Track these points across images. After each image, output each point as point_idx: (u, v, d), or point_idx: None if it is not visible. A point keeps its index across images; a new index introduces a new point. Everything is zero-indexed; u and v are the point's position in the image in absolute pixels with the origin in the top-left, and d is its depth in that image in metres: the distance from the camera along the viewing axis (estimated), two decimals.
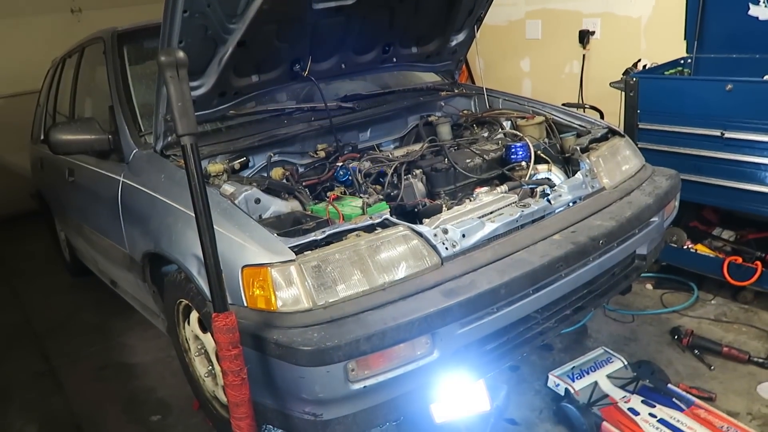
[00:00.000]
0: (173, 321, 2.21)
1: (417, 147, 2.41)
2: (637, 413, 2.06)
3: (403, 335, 1.52)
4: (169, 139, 2.14)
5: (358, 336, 1.47)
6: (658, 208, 2.16)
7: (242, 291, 1.63)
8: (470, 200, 2.01)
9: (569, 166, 2.32)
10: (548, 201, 2.00)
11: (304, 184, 2.18)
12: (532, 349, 2.00)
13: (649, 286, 3.03)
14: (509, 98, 2.81)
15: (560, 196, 2.05)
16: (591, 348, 2.47)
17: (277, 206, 1.95)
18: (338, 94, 2.70)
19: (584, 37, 3.83)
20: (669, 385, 2.20)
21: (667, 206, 2.26)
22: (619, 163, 2.32)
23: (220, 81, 2.09)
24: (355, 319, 1.53)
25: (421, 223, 1.82)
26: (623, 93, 2.92)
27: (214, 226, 1.47)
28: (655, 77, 2.96)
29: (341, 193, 2.10)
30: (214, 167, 2.08)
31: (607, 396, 2.17)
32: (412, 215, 2.03)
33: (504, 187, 2.08)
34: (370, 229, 1.73)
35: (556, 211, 2.03)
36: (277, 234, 1.69)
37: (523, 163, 2.24)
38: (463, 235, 1.78)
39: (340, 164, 2.25)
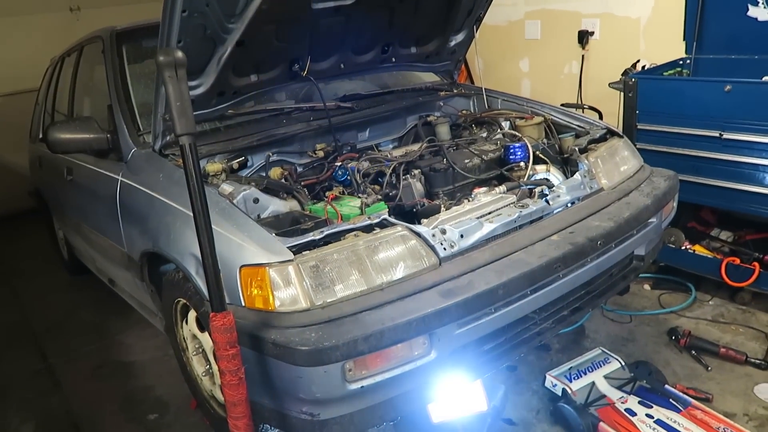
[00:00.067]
0: (171, 320, 2.21)
1: (416, 147, 2.41)
2: (634, 414, 2.07)
3: (401, 335, 1.52)
4: (168, 138, 2.14)
5: (355, 336, 1.47)
6: (656, 209, 2.17)
7: (240, 291, 1.63)
8: (469, 200, 2.02)
9: (568, 166, 2.33)
10: (546, 202, 2.01)
11: (302, 183, 2.18)
12: (529, 349, 2.01)
13: (647, 287, 3.03)
14: (508, 98, 2.81)
15: (558, 196, 2.05)
16: (588, 348, 2.47)
17: (275, 206, 1.96)
18: (337, 94, 2.70)
19: (583, 37, 3.83)
20: (666, 386, 2.21)
21: (665, 207, 2.26)
22: (617, 164, 2.32)
23: (219, 80, 2.09)
24: (353, 319, 1.53)
25: (419, 223, 1.82)
26: (622, 93, 2.92)
27: (213, 226, 1.47)
28: (653, 78, 2.97)
29: (340, 192, 2.11)
30: (213, 167, 2.09)
31: (604, 396, 2.18)
32: (410, 215, 2.03)
33: (502, 188, 2.08)
34: (368, 229, 1.73)
35: (555, 211, 2.03)
36: (276, 234, 1.69)
37: (522, 164, 2.24)
38: (462, 236, 1.78)
39: (338, 164, 2.25)
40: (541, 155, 2.33)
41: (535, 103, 2.72)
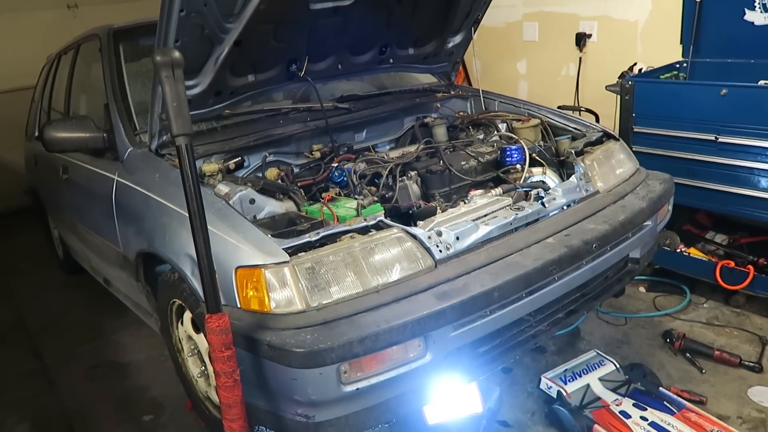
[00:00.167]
0: (166, 321, 2.20)
1: (412, 148, 2.41)
2: (628, 416, 2.08)
3: (396, 338, 1.52)
4: (165, 138, 2.14)
5: (351, 338, 1.47)
6: (651, 212, 2.17)
7: (236, 292, 1.63)
8: (465, 202, 2.02)
9: (564, 169, 2.33)
10: (542, 204, 2.01)
11: (299, 184, 2.18)
12: (525, 351, 2.02)
13: (642, 289, 3.04)
14: (505, 100, 2.82)
15: (554, 199, 2.05)
16: (583, 351, 2.48)
17: (271, 207, 1.95)
18: (334, 95, 2.70)
19: (581, 39, 3.84)
20: (660, 389, 2.21)
21: (660, 210, 2.27)
22: (613, 167, 2.33)
23: (216, 80, 2.09)
24: (349, 321, 1.53)
25: (415, 225, 1.82)
26: (619, 96, 2.93)
27: (208, 227, 1.47)
28: (650, 81, 2.97)
29: (336, 194, 2.11)
30: (209, 167, 2.08)
31: (599, 399, 2.18)
32: (406, 217, 2.03)
33: (498, 190, 2.09)
34: (364, 230, 1.73)
35: (550, 214, 2.03)
36: (272, 235, 1.68)
37: (518, 166, 2.25)
38: (457, 238, 1.78)
39: (335, 165, 2.25)
40: (537, 158, 2.33)
41: (532, 105, 2.72)
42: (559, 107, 2.78)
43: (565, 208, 2.08)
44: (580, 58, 3.90)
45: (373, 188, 2.15)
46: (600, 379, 2.26)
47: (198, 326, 1.98)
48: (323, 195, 2.09)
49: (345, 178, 2.18)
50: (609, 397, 2.19)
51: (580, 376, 2.28)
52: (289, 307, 1.56)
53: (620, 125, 2.94)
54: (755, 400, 2.20)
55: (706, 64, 3.12)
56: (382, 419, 1.70)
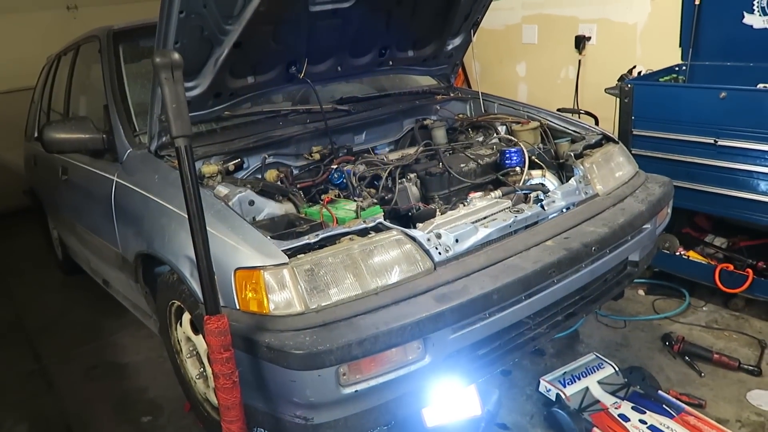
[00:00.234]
0: (165, 322, 2.20)
1: (412, 151, 2.41)
2: (627, 419, 2.08)
3: (395, 340, 1.52)
4: (164, 139, 2.14)
5: (350, 340, 1.47)
6: (650, 215, 2.17)
7: (235, 294, 1.63)
8: (464, 205, 2.02)
9: (563, 172, 2.33)
10: (542, 207, 2.01)
11: (298, 186, 2.18)
12: (524, 354, 2.01)
13: (641, 292, 3.04)
14: (505, 103, 2.82)
15: (554, 202, 2.06)
16: (582, 353, 2.48)
17: (270, 208, 1.95)
18: (334, 97, 2.70)
19: (580, 42, 3.84)
20: (659, 392, 2.21)
21: (659, 213, 2.27)
22: (612, 170, 2.33)
23: (216, 82, 2.09)
24: (348, 323, 1.53)
25: (414, 227, 1.82)
26: (618, 99, 2.94)
27: (208, 228, 1.47)
28: (649, 84, 2.98)
29: (335, 196, 2.11)
30: (209, 168, 2.08)
31: (598, 402, 2.18)
32: (405, 219, 2.03)
33: (498, 192, 2.09)
34: (363, 232, 1.74)
35: (550, 217, 2.03)
36: (271, 237, 1.68)
37: (518, 169, 2.25)
38: (457, 240, 1.78)
39: (334, 167, 2.25)
40: (536, 160, 2.33)
41: (531, 107, 2.72)
42: (558, 110, 2.78)
43: (564, 210, 2.08)
44: (580, 61, 3.90)
45: (373, 190, 2.15)
46: (599, 382, 2.26)
47: (197, 327, 1.98)
48: (322, 197, 2.09)
49: (344, 180, 2.18)
50: (608, 400, 2.19)
51: (579, 379, 2.28)
52: (288, 309, 1.56)
53: (619, 128, 2.95)
54: (754, 403, 2.20)
55: (705, 67, 3.13)
56: (380, 421, 1.70)
